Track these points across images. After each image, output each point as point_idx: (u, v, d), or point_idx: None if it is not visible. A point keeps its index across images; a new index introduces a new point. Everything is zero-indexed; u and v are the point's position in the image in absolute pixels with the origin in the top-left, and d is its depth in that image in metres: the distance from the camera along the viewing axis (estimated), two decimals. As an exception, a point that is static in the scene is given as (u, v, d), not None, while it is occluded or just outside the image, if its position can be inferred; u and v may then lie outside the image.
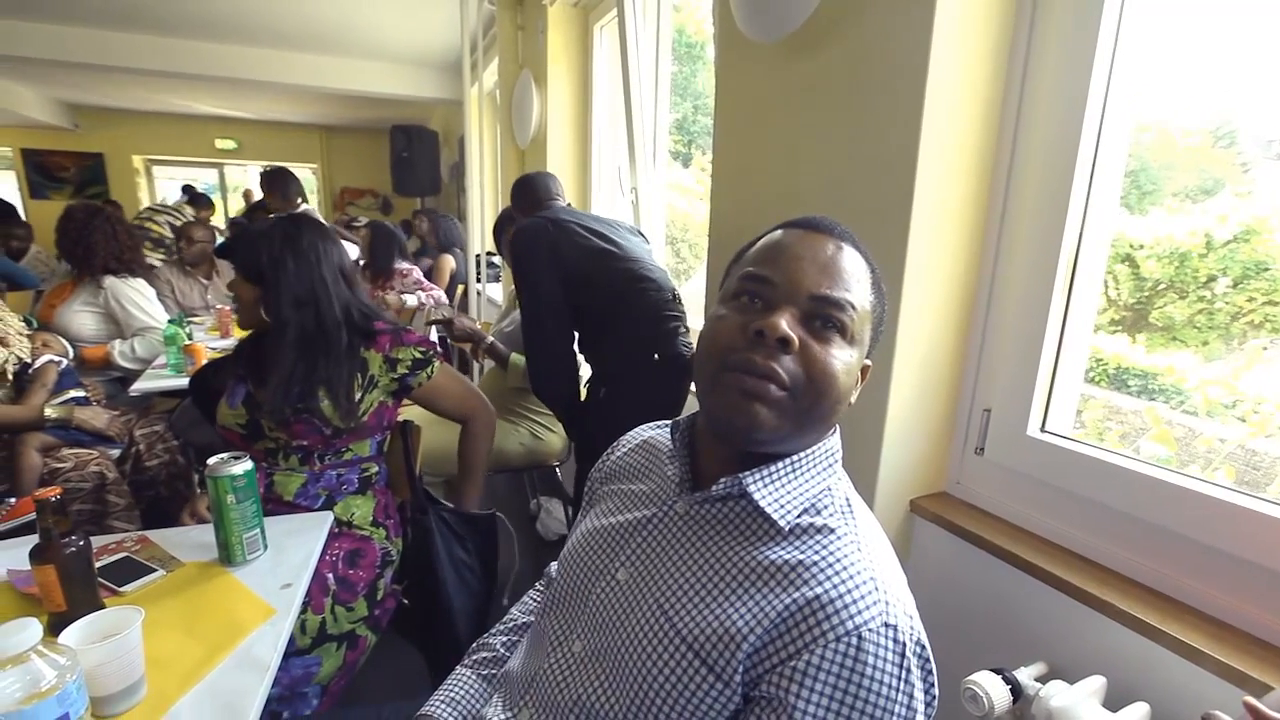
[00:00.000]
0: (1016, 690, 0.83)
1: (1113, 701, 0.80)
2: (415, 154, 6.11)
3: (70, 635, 0.69)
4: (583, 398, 1.72)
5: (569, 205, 1.87)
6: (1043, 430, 1.02)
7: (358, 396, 1.22)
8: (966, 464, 1.12)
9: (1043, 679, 0.85)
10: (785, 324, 0.54)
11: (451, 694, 0.74)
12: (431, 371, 1.30)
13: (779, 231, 0.62)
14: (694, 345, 1.63)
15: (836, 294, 0.56)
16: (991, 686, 0.83)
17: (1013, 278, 1.03)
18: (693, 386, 1.71)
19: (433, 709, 0.73)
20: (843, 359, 0.56)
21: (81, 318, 2.29)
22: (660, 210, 2.39)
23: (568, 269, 1.58)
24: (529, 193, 1.83)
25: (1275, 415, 0.93)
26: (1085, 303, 0.98)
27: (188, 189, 6.62)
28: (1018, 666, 0.87)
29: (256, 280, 1.21)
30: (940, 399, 1.11)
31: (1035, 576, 0.93)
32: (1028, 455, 1.02)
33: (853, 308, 0.57)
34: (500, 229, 2.08)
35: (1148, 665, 0.81)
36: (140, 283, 2.39)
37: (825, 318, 0.56)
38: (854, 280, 0.58)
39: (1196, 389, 1.01)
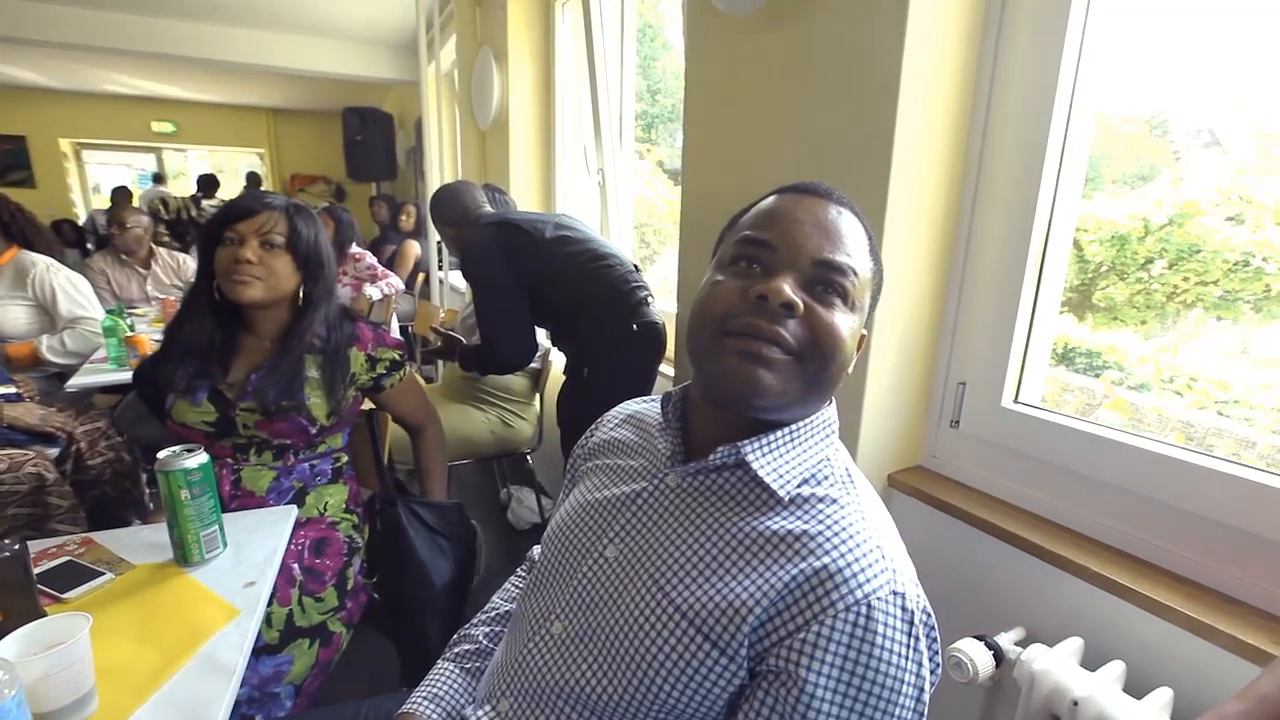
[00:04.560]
0: (999, 655, 0.85)
1: (1090, 661, 0.82)
2: (369, 138, 5.89)
3: (8, 647, 0.63)
4: (562, 384, 1.71)
5: (499, 210, 1.89)
6: (1016, 401, 1.04)
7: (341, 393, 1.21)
8: (942, 437, 1.13)
9: (1023, 643, 0.87)
10: (789, 288, 0.52)
11: (434, 690, 0.71)
12: (403, 376, 1.32)
13: (776, 196, 0.60)
14: (660, 315, 1.64)
15: (839, 258, 0.55)
16: (975, 653, 0.84)
17: (985, 254, 1.04)
18: (669, 356, 1.72)
19: (415, 706, 0.69)
20: (847, 324, 0.55)
21: (14, 311, 2.13)
22: (628, 191, 2.35)
23: (530, 266, 1.61)
24: (454, 205, 1.82)
25: (1210, 389, 0.97)
26: (1054, 277, 1.00)
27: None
28: (998, 632, 0.89)
29: (302, 264, 1.19)
30: (916, 374, 1.12)
31: (1012, 544, 0.95)
32: (1002, 426, 1.03)
33: (854, 273, 0.55)
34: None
35: (1122, 624, 0.83)
36: (69, 271, 2.24)
37: (828, 283, 0.54)
38: (854, 245, 0.56)
39: (1137, 364, 1.05)
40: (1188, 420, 0.99)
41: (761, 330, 0.52)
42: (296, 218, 1.18)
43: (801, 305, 0.53)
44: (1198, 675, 0.77)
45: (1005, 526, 0.96)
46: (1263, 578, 0.77)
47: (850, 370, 0.59)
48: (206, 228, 1.18)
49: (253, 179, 7.70)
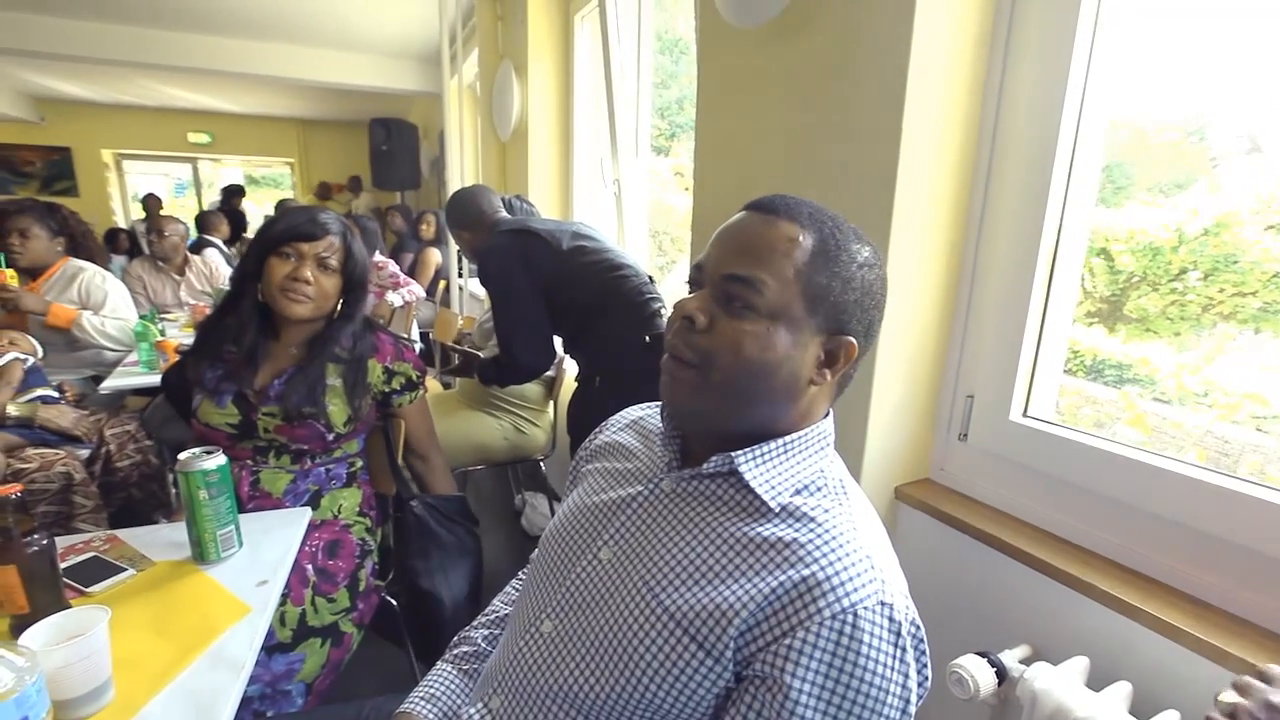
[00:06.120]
0: (1001, 673, 0.84)
1: (1095, 681, 0.81)
2: (395, 147, 6.02)
3: (31, 637, 0.66)
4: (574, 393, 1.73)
5: (516, 216, 1.89)
6: (1025, 415, 1.02)
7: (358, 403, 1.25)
8: (950, 450, 1.12)
9: (1027, 661, 0.86)
10: (694, 303, 0.57)
11: (431, 690, 0.73)
12: (414, 397, 1.35)
13: (734, 216, 0.62)
14: None
15: (741, 271, 0.56)
16: (976, 669, 0.83)
17: (993, 266, 1.03)
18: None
19: (412, 706, 0.71)
20: (756, 333, 0.55)
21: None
22: (643, 202, 2.37)
23: (546, 273, 1.62)
24: (468, 209, 1.83)
25: (1244, 403, 0.95)
26: (1066, 289, 0.98)
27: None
28: (1002, 649, 0.88)
29: (348, 286, 1.25)
30: (924, 386, 1.11)
31: (1018, 560, 0.94)
32: (1011, 440, 1.02)
33: (758, 283, 0.54)
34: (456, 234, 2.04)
35: (1129, 644, 0.82)
36: (115, 280, 2.37)
37: (732, 294, 0.56)
38: (776, 254, 0.55)
39: (1170, 377, 1.03)
40: (1221, 435, 0.96)
41: (670, 346, 0.58)
42: (353, 243, 1.24)
43: (703, 319, 0.56)
44: (1207, 700, 0.75)
45: (1012, 542, 0.95)
46: (1276, 600, 0.75)
47: (817, 380, 0.57)
48: (264, 236, 1.21)
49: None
